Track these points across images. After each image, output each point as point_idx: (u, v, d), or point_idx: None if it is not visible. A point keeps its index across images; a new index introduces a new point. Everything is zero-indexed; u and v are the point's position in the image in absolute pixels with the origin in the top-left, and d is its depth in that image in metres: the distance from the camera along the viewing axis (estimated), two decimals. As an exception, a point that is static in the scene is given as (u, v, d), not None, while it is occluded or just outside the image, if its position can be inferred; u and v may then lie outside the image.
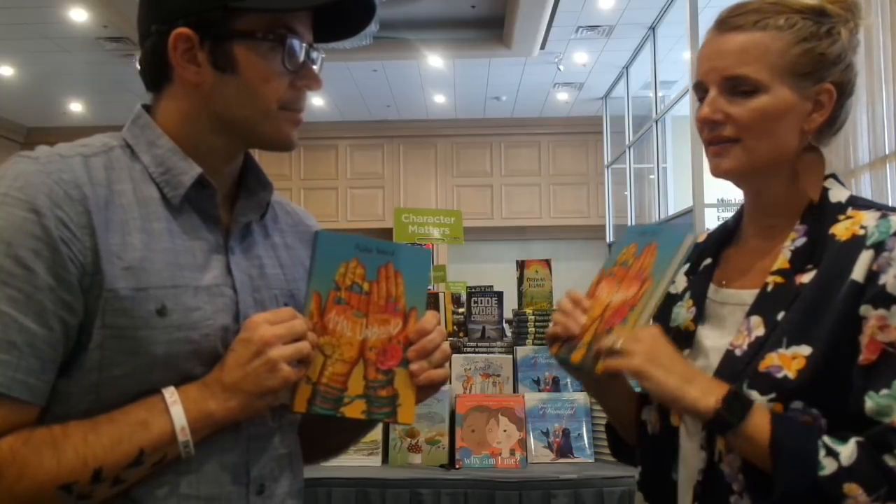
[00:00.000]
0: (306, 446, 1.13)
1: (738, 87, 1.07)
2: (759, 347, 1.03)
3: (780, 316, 1.04)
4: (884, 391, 0.95)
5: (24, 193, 0.87)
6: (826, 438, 0.95)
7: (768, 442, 0.96)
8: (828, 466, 0.93)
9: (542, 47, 7.14)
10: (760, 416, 0.97)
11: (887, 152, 4.10)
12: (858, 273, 1.00)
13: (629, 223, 7.91)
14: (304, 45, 1.01)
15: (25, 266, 0.85)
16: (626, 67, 7.77)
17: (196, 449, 0.92)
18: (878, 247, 1.00)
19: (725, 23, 1.10)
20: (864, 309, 0.98)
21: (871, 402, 0.95)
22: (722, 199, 5.72)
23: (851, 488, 0.92)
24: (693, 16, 5.44)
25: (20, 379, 0.86)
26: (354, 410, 1.00)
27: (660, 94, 7.07)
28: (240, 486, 0.98)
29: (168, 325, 0.92)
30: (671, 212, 6.78)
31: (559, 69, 7.74)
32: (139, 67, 1.03)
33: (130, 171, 0.98)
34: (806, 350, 1.00)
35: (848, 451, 0.93)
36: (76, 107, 8.97)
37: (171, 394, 0.91)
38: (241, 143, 1.05)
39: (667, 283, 1.07)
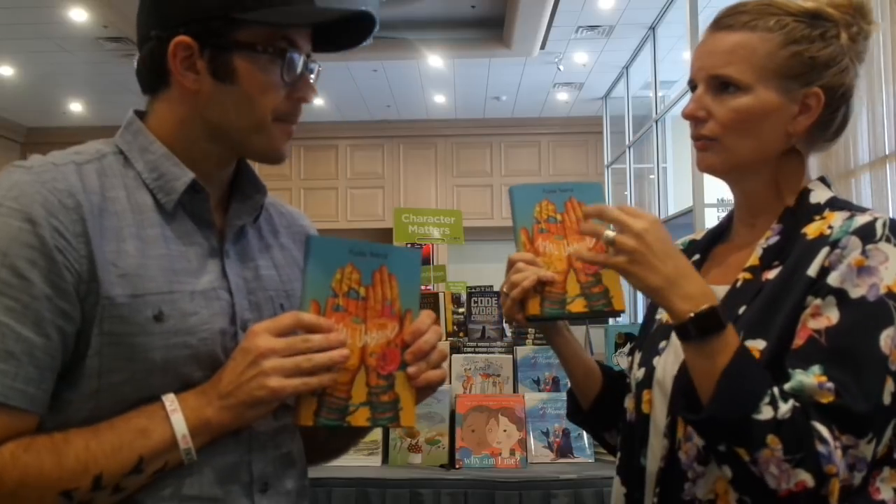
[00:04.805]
0: (306, 450, 1.12)
1: (724, 86, 1.09)
2: None
3: (742, 310, 1.05)
4: (799, 372, 0.96)
5: (19, 203, 0.88)
6: (776, 390, 0.95)
7: (722, 367, 0.95)
8: (765, 413, 0.93)
9: (542, 47, 7.14)
10: (727, 343, 0.96)
11: (887, 152, 4.09)
12: (813, 269, 1.01)
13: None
14: (303, 56, 1.01)
15: (21, 276, 0.86)
16: (626, 67, 7.76)
17: (197, 450, 0.92)
18: (835, 244, 1.01)
19: (719, 22, 1.12)
20: (809, 300, 1.00)
21: (790, 383, 0.96)
22: (722, 198, 5.67)
23: (774, 440, 0.92)
24: (693, 16, 5.44)
25: (19, 388, 0.86)
26: (359, 419, 0.99)
27: (660, 94, 7.07)
28: (243, 486, 0.98)
29: (165, 331, 0.92)
30: (671, 211, 6.77)
31: (559, 69, 7.74)
32: (136, 68, 1.03)
33: (124, 177, 0.98)
34: (761, 344, 1.01)
35: (787, 407, 0.93)
36: (76, 107, 8.97)
37: (171, 401, 0.92)
38: (233, 152, 1.05)
39: None
